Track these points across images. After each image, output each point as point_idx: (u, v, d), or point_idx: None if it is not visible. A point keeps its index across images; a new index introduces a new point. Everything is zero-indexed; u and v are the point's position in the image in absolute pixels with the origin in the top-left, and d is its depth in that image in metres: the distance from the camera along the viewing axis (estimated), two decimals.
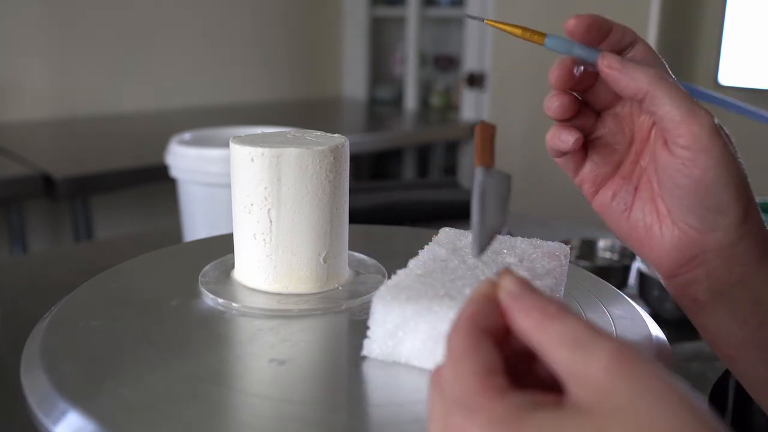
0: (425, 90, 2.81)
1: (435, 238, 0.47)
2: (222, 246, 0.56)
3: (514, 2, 2.24)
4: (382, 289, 0.38)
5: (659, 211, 0.43)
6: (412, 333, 0.37)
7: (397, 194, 1.20)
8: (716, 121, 0.39)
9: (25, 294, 0.82)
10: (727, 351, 0.43)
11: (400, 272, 0.41)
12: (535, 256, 0.44)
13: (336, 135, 0.49)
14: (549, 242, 0.47)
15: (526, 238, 0.47)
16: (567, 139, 0.43)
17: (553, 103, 0.43)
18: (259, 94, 2.68)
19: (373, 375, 0.38)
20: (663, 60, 0.43)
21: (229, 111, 2.46)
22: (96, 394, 0.35)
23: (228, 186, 0.84)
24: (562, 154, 0.45)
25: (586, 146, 0.45)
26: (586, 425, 0.22)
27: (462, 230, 0.49)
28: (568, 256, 0.47)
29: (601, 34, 0.42)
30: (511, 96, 2.32)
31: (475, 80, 2.44)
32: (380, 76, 2.97)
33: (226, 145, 0.90)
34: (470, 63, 2.44)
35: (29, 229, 2.01)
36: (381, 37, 2.95)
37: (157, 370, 0.38)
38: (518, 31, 0.43)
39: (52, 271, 0.93)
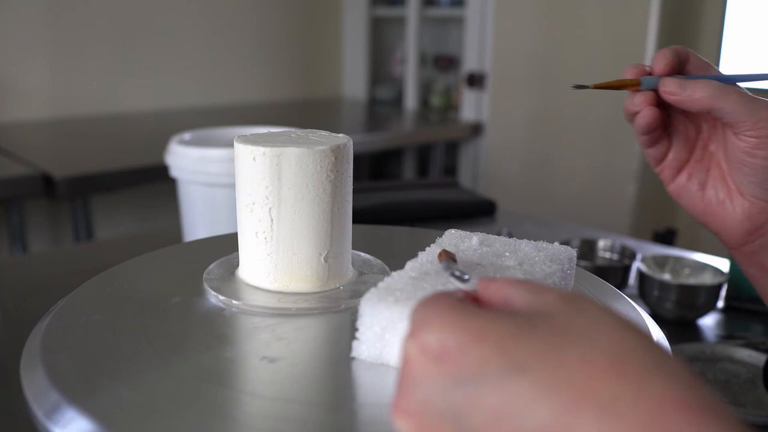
0: (425, 90, 2.81)
1: (438, 240, 0.47)
2: (221, 246, 0.56)
3: (514, 2, 2.24)
4: (372, 291, 0.38)
5: (729, 187, 0.49)
6: (399, 335, 0.37)
7: (397, 194, 1.20)
8: None
9: (25, 294, 0.82)
10: None
11: (394, 274, 0.41)
12: (537, 260, 0.44)
13: (340, 135, 0.49)
14: (555, 245, 0.47)
15: (531, 241, 0.47)
16: (643, 115, 0.49)
17: (642, 119, 0.50)
18: (259, 94, 2.68)
19: (361, 375, 0.38)
20: (710, 63, 0.51)
21: (229, 111, 2.46)
22: (95, 394, 0.35)
23: (228, 186, 0.85)
24: (647, 136, 0.51)
25: (670, 138, 0.52)
26: (549, 325, 0.26)
27: (467, 232, 0.48)
28: (574, 259, 0.46)
29: (682, 62, 0.49)
30: (511, 96, 2.32)
31: (475, 80, 2.44)
32: (380, 76, 2.97)
33: (226, 145, 0.90)
34: (470, 63, 2.44)
35: (29, 229, 2.01)
36: (381, 37, 2.95)
37: (155, 369, 0.38)
38: (617, 83, 0.49)
39: (52, 271, 0.93)
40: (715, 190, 0.51)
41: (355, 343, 0.39)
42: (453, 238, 0.47)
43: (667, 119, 0.52)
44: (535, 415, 0.22)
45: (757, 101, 0.46)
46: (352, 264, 0.51)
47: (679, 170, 0.52)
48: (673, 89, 0.47)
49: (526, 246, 0.46)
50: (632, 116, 0.50)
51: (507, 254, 0.45)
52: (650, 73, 0.49)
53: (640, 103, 0.49)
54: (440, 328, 0.26)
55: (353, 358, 0.39)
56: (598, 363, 0.23)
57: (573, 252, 0.46)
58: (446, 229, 0.50)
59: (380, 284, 0.39)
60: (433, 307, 0.27)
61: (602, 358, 0.23)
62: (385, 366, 0.38)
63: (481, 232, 0.49)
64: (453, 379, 0.25)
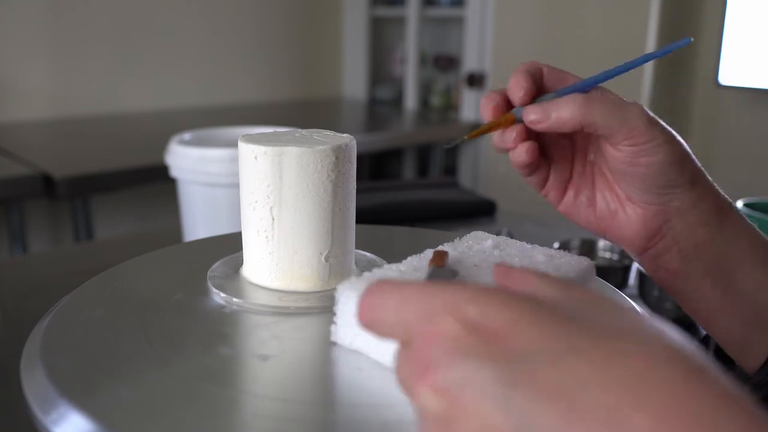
0: (425, 90, 2.81)
1: (456, 240, 0.47)
2: (221, 246, 0.56)
3: (514, 2, 2.24)
4: (351, 279, 0.39)
5: (619, 196, 0.47)
6: None
7: (397, 194, 1.20)
8: (647, 111, 0.43)
9: (25, 294, 0.82)
10: (705, 316, 0.48)
11: (386, 266, 0.42)
12: (542, 268, 0.43)
13: (345, 135, 0.49)
14: (572, 256, 0.45)
15: (549, 249, 0.46)
16: (520, 152, 0.46)
17: (521, 158, 0.47)
18: (259, 94, 2.68)
19: (347, 374, 0.38)
20: (564, 70, 0.48)
21: (229, 111, 2.46)
22: (95, 394, 0.35)
23: (228, 186, 0.85)
24: (526, 168, 0.49)
25: (547, 159, 0.49)
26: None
27: (491, 235, 0.48)
28: (592, 271, 0.45)
29: (537, 80, 0.46)
30: None
31: (475, 80, 2.44)
32: (380, 76, 2.97)
33: (226, 145, 0.90)
34: (470, 63, 2.44)
35: (29, 229, 2.01)
36: (381, 37, 2.95)
37: (154, 369, 0.38)
38: (492, 125, 0.46)
39: (52, 271, 0.93)
40: (605, 202, 0.48)
41: (332, 328, 0.40)
42: (471, 239, 0.47)
43: (539, 140, 0.49)
44: (591, 395, 0.22)
45: (625, 106, 0.43)
46: (357, 264, 0.51)
47: (564, 189, 0.50)
48: (537, 117, 0.44)
49: (540, 254, 0.45)
50: (505, 151, 0.48)
51: (516, 259, 0.45)
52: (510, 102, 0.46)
53: (512, 141, 0.46)
54: (491, 306, 0.25)
55: (341, 358, 0.39)
56: (657, 356, 0.22)
57: (588, 263, 0.45)
58: (446, 229, 0.50)
59: (365, 273, 0.40)
60: (472, 286, 0.26)
61: (662, 353, 0.23)
62: (376, 365, 0.38)
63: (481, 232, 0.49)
64: (503, 358, 0.24)
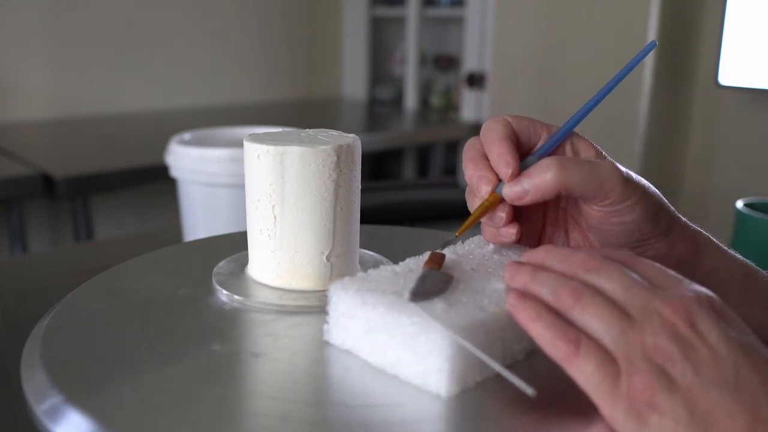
0: (425, 90, 2.81)
1: (461, 242, 0.47)
2: (221, 246, 0.56)
3: (514, 2, 2.24)
4: (345, 279, 0.40)
5: (592, 244, 0.46)
6: (351, 321, 0.39)
7: (397, 194, 1.20)
8: (620, 167, 0.41)
9: (25, 294, 0.82)
10: None
11: (382, 267, 0.42)
12: None
13: (350, 135, 0.49)
14: None
15: None
16: (510, 232, 0.44)
17: (510, 237, 0.44)
18: (259, 94, 2.68)
19: (336, 373, 0.38)
20: (549, 125, 0.46)
21: (229, 111, 2.46)
22: (95, 394, 0.35)
23: (228, 186, 0.85)
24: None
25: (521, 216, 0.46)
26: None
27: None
28: None
29: (515, 141, 0.44)
30: (511, 96, 2.32)
31: (475, 80, 2.43)
32: (380, 76, 2.97)
33: (226, 145, 0.90)
34: (470, 63, 2.44)
35: (29, 229, 2.01)
36: (381, 37, 2.95)
37: (154, 369, 0.38)
38: (481, 212, 0.44)
39: (52, 271, 0.92)
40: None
41: (325, 327, 0.41)
42: (474, 243, 0.47)
43: None
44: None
45: (600, 167, 0.41)
46: (362, 264, 0.51)
47: (537, 239, 0.48)
48: (517, 195, 0.42)
49: None
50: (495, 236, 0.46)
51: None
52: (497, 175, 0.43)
53: (503, 222, 0.44)
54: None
55: (333, 359, 0.39)
56: None
57: None
58: (446, 229, 0.50)
59: (359, 274, 0.41)
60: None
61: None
62: (363, 364, 0.38)
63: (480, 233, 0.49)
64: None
